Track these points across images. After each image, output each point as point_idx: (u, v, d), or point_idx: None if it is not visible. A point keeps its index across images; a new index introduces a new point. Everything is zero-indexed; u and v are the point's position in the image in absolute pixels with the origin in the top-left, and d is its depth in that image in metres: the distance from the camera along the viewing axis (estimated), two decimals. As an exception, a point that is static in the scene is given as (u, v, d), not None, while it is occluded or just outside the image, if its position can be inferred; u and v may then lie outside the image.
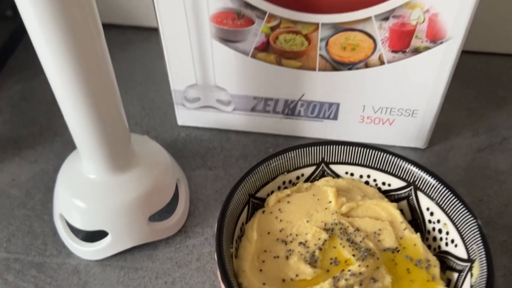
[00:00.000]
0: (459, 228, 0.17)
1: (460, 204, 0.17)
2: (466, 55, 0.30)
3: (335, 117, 0.25)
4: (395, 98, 0.23)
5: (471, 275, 0.16)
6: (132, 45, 0.33)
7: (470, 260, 0.16)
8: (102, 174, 0.20)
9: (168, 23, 0.22)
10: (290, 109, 0.25)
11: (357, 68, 0.22)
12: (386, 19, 0.20)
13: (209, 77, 0.24)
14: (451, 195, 0.17)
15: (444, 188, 0.17)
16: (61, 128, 0.27)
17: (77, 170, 0.21)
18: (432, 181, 0.18)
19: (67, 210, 0.20)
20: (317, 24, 0.21)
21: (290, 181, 0.20)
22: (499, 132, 0.26)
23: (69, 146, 0.26)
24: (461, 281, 0.16)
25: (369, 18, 0.20)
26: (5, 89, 0.29)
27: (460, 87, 0.28)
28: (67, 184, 0.21)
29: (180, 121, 0.27)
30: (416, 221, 0.19)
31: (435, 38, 0.20)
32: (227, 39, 0.22)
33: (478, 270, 0.15)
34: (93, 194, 0.20)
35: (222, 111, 0.25)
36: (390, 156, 0.19)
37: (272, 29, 0.21)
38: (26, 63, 0.31)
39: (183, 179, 0.23)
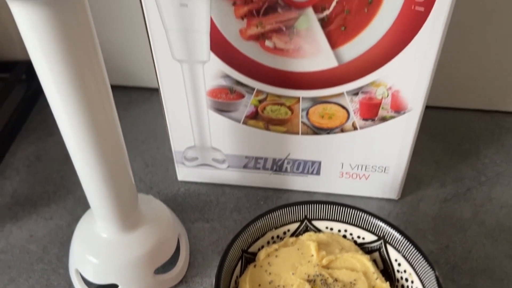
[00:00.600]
0: (421, 278, 0.20)
1: (421, 256, 0.20)
2: (433, 110, 0.33)
3: (318, 173, 0.28)
4: (369, 157, 0.26)
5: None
6: (134, 104, 0.36)
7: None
8: (113, 233, 0.23)
9: (170, 98, 0.25)
10: (278, 166, 0.28)
11: (334, 133, 0.25)
12: (356, 94, 0.23)
13: (206, 140, 0.27)
14: (413, 248, 0.20)
15: (408, 242, 0.20)
16: (73, 186, 0.30)
17: (91, 230, 0.23)
18: (398, 235, 0.21)
19: (81, 265, 0.23)
20: (299, 98, 0.24)
21: (277, 236, 0.22)
22: (464, 182, 0.29)
23: (81, 203, 0.29)
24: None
25: (342, 93, 0.24)
26: (21, 150, 0.32)
27: (428, 140, 0.32)
28: (82, 242, 0.23)
29: (180, 177, 0.30)
30: (387, 270, 0.22)
31: (398, 109, 0.24)
32: (222, 109, 0.25)
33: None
34: (105, 251, 0.23)
35: (217, 168, 0.29)
36: (363, 214, 0.21)
37: (260, 101, 0.25)
38: (39, 124, 0.34)
39: (183, 233, 0.26)
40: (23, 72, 0.36)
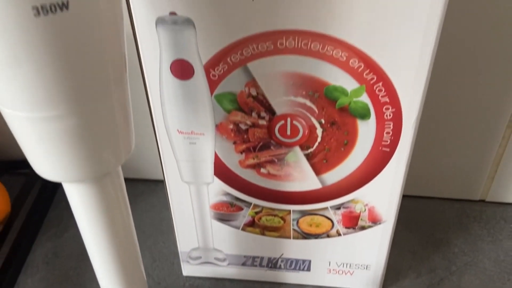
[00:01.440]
0: None
1: None
2: (408, 198, 0.37)
3: (308, 269, 0.31)
4: (352, 257, 0.30)
5: None
6: (140, 197, 0.40)
7: None
8: None
9: (178, 211, 0.29)
10: (272, 264, 0.31)
11: (321, 238, 0.29)
12: (339, 208, 0.27)
13: (209, 242, 0.31)
14: None
15: None
16: (88, 283, 0.32)
17: None
18: None
19: None
20: (290, 210, 0.28)
21: None
22: (437, 273, 0.33)
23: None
24: None
25: (326, 208, 0.28)
26: (40, 247, 0.35)
27: (405, 230, 0.35)
28: None
29: (185, 273, 0.33)
30: None
31: (374, 220, 0.28)
32: (223, 219, 0.29)
33: None
34: None
35: (219, 265, 0.32)
36: None
37: (256, 213, 0.29)
38: (55, 219, 0.37)
39: (191, 331, 0.29)
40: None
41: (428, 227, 0.36)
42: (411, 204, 0.37)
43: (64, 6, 0.13)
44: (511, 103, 0.32)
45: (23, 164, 0.39)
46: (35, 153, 0.17)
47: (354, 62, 0.22)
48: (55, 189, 0.39)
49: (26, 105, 0.15)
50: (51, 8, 0.13)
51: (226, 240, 0.31)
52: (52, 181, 0.19)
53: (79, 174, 0.18)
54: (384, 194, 0.27)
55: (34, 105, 0.15)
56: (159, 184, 0.40)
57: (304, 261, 0.31)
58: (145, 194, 0.40)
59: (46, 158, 0.17)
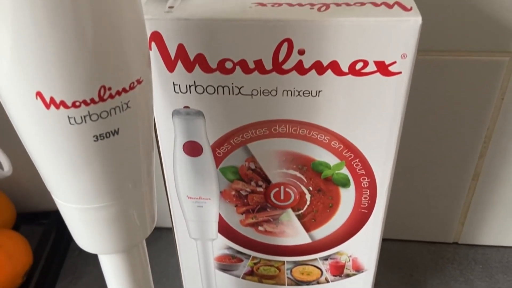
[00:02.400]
0: None
1: None
2: (390, 242, 0.42)
3: (301, 311, 0.35)
4: (339, 301, 0.34)
5: None
6: (148, 243, 0.43)
7: None
8: None
9: (186, 264, 0.33)
10: (269, 307, 0.35)
11: (312, 285, 0.33)
12: (326, 259, 0.32)
13: (213, 289, 0.35)
14: None
15: None
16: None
17: None
18: None
19: None
20: (284, 261, 0.32)
21: None
22: (415, 311, 0.37)
23: None
24: None
25: (315, 259, 0.32)
26: (57, 294, 0.39)
27: (387, 272, 0.40)
28: None
29: (191, 316, 0.37)
30: None
31: (358, 269, 0.32)
32: (225, 269, 0.33)
33: None
34: None
35: (221, 309, 0.36)
36: None
37: (255, 264, 0.33)
38: (70, 267, 0.41)
39: None
40: (56, 221, 0.43)
41: (408, 268, 0.40)
42: (393, 247, 0.42)
43: (116, 133, 0.17)
44: (474, 160, 0.37)
45: (40, 215, 0.43)
46: (79, 231, 0.21)
47: (335, 144, 0.26)
48: (69, 239, 0.43)
49: (79, 199, 0.19)
50: (106, 135, 0.17)
51: (228, 287, 0.34)
52: (89, 252, 0.22)
53: (113, 248, 0.22)
54: (364, 247, 0.31)
55: (85, 199, 0.19)
56: (164, 231, 0.44)
57: (297, 304, 0.35)
58: (152, 241, 0.43)
59: (88, 235, 0.21)
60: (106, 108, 0.17)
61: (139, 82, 0.18)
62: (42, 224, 0.43)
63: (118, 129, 0.18)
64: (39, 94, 0.16)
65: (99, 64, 0.16)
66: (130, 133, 0.18)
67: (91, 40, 0.16)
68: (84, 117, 0.17)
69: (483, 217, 0.40)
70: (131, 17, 0.17)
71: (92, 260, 0.41)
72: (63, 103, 0.16)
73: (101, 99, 0.16)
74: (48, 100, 0.16)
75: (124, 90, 0.17)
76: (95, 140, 0.17)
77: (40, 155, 0.18)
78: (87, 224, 0.20)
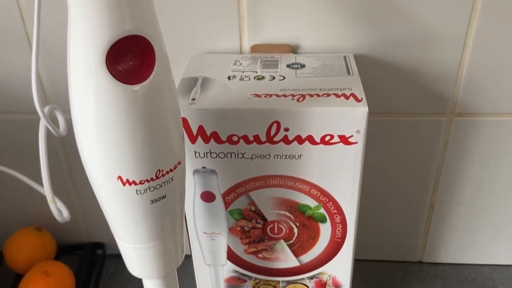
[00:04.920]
0: None
1: None
2: (365, 262, 0.50)
3: (294, 321, 0.43)
4: (324, 311, 0.42)
5: None
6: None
7: None
8: None
9: (201, 282, 0.41)
10: (268, 318, 0.43)
11: (302, 298, 0.42)
12: (312, 278, 0.40)
13: (223, 305, 0.43)
14: None
15: None
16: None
17: None
18: None
19: None
20: (279, 281, 0.41)
21: None
22: (385, 319, 0.45)
23: None
24: None
25: (303, 278, 0.40)
26: (94, 313, 0.47)
27: (363, 285, 0.48)
28: None
29: (205, 328, 0.45)
30: None
31: (337, 286, 0.40)
32: (233, 288, 0.42)
33: None
34: None
35: (230, 321, 0.44)
36: None
37: (256, 283, 0.41)
38: (102, 287, 0.49)
39: None
40: (89, 251, 0.52)
41: (380, 283, 0.49)
42: (367, 267, 0.50)
43: (164, 197, 0.26)
44: (428, 195, 0.46)
45: (75, 247, 0.52)
46: (133, 262, 0.30)
47: (314, 191, 0.35)
48: (101, 267, 0.51)
49: (136, 241, 0.28)
50: (158, 199, 0.26)
51: (235, 302, 0.43)
52: (138, 277, 0.31)
53: (155, 274, 0.30)
54: (341, 268, 0.39)
55: (140, 241, 0.28)
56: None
57: (290, 315, 0.43)
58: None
59: (138, 265, 0.30)
60: (159, 183, 0.26)
61: (179, 163, 0.27)
62: (78, 255, 0.51)
63: (165, 195, 0.27)
64: (119, 177, 0.25)
65: (156, 155, 0.25)
66: (172, 197, 0.27)
67: (152, 139, 0.25)
68: (146, 189, 0.26)
69: (441, 240, 0.49)
70: (176, 114, 0.26)
71: (120, 284, 0.50)
72: (134, 182, 0.25)
73: (157, 177, 0.26)
74: (125, 181, 0.25)
75: (171, 170, 0.26)
76: (151, 203, 0.26)
77: (113, 212, 0.27)
78: (139, 258, 0.29)
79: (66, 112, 0.32)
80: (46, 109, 0.29)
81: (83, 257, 0.50)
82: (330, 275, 0.40)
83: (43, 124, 0.30)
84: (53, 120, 0.31)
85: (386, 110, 0.42)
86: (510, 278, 0.49)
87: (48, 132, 0.31)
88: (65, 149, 0.47)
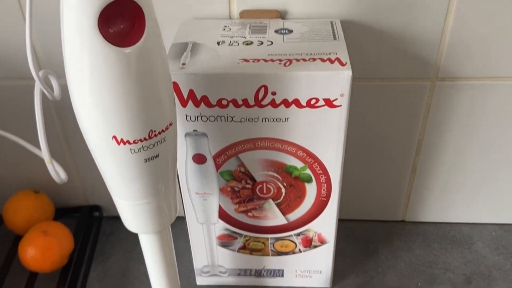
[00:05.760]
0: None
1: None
2: (350, 222, 0.53)
3: (282, 275, 0.46)
4: (310, 267, 0.45)
5: None
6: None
7: None
8: None
9: (196, 243, 0.43)
10: (258, 273, 0.46)
11: (289, 254, 0.44)
12: (299, 235, 0.42)
13: (215, 261, 0.45)
14: None
15: None
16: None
17: None
18: None
19: None
20: (267, 238, 0.43)
21: None
22: (368, 273, 0.48)
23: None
24: None
25: (291, 235, 0.43)
26: (93, 270, 0.49)
27: (348, 245, 0.51)
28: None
29: (199, 282, 0.47)
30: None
31: (322, 242, 0.43)
32: (224, 245, 0.44)
33: None
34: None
35: (222, 276, 0.46)
36: None
37: (246, 240, 0.43)
38: (100, 251, 0.51)
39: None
40: (86, 214, 0.53)
41: (364, 242, 0.51)
42: (352, 226, 0.53)
43: (156, 156, 0.28)
44: (411, 157, 0.48)
45: (73, 210, 0.53)
46: (129, 218, 0.32)
47: (300, 153, 0.37)
48: (98, 228, 0.53)
49: (131, 198, 0.30)
50: (151, 158, 0.28)
51: (226, 259, 0.45)
52: (133, 231, 0.33)
53: (149, 229, 0.32)
54: (325, 225, 0.42)
55: (135, 198, 0.30)
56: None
57: (279, 270, 0.46)
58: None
59: (134, 221, 0.32)
60: (152, 143, 0.27)
61: (170, 124, 0.28)
62: (75, 217, 0.53)
63: (158, 154, 0.28)
64: (114, 137, 0.26)
65: (149, 116, 0.27)
66: (165, 156, 0.29)
67: (144, 100, 0.26)
68: (139, 148, 0.27)
69: (423, 200, 0.52)
70: (166, 77, 0.27)
71: (116, 243, 0.52)
72: (128, 142, 0.26)
73: (150, 137, 0.27)
74: (119, 140, 0.26)
75: (163, 130, 0.28)
76: (144, 162, 0.28)
77: (110, 171, 0.28)
78: (135, 214, 0.31)
79: (60, 77, 0.33)
80: (40, 74, 0.30)
81: (81, 219, 0.52)
82: (316, 232, 0.42)
83: (38, 87, 0.31)
84: (47, 85, 0.32)
85: (371, 75, 0.43)
86: (488, 236, 0.52)
87: (43, 99, 0.33)
88: (59, 115, 0.48)
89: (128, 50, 0.24)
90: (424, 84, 0.43)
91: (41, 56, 0.44)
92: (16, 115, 0.48)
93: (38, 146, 0.36)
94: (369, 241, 0.51)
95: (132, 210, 0.31)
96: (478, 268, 0.49)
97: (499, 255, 0.50)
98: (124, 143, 0.26)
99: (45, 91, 0.31)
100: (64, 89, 0.33)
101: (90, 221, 0.53)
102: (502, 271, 0.48)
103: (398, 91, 0.44)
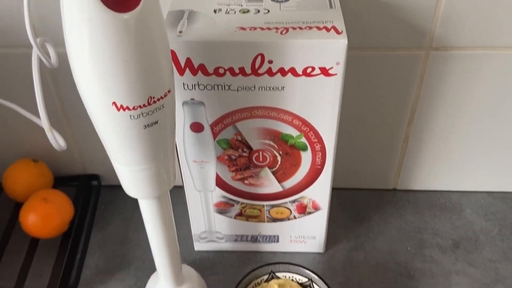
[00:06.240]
0: (328, 298, 0.40)
1: (326, 286, 0.39)
2: (343, 190, 0.54)
3: (277, 241, 0.48)
4: (304, 232, 0.47)
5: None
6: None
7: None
8: (170, 287, 0.41)
9: (193, 209, 0.44)
10: (254, 239, 0.48)
11: (284, 221, 0.45)
12: (294, 202, 0.44)
13: (212, 227, 0.47)
14: (325, 284, 0.40)
15: (321, 280, 0.40)
16: (131, 259, 0.48)
17: (157, 285, 0.42)
18: (316, 277, 0.40)
19: (152, 307, 0.42)
20: (263, 205, 0.44)
21: (257, 283, 0.42)
22: (360, 238, 0.50)
23: (138, 270, 0.47)
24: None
25: (286, 202, 0.44)
26: (93, 237, 0.50)
27: (341, 212, 0.52)
28: (151, 294, 0.42)
29: (196, 248, 0.49)
30: (314, 295, 0.41)
31: (316, 208, 0.44)
32: (221, 212, 0.45)
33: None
34: (165, 298, 0.41)
35: (219, 242, 0.48)
36: (300, 267, 0.41)
37: (243, 207, 0.45)
38: (100, 216, 0.52)
39: (204, 283, 0.45)
40: (84, 182, 0.54)
41: (356, 209, 0.53)
42: (345, 194, 0.54)
43: (156, 123, 0.28)
44: (404, 126, 0.49)
45: (72, 178, 0.54)
46: (129, 183, 0.32)
47: (296, 121, 0.38)
48: (97, 196, 0.54)
49: (131, 163, 0.30)
50: (151, 124, 0.28)
51: (223, 225, 0.46)
52: (133, 197, 0.34)
53: (149, 195, 0.33)
54: (320, 192, 0.43)
55: (135, 163, 0.30)
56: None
57: (274, 236, 0.47)
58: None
59: (134, 186, 0.33)
60: (151, 109, 0.28)
61: (169, 91, 0.29)
62: (74, 186, 0.54)
63: (157, 121, 0.29)
64: (114, 103, 0.27)
65: (148, 83, 0.27)
66: (163, 123, 0.29)
67: (143, 66, 0.26)
68: (139, 115, 0.28)
69: (414, 168, 0.53)
70: (165, 43, 0.28)
71: (115, 211, 0.54)
72: (128, 108, 0.27)
73: (149, 104, 0.27)
74: (119, 106, 0.27)
75: (161, 97, 0.28)
76: (144, 128, 0.28)
77: (110, 137, 0.29)
78: (134, 179, 0.32)
79: (57, 45, 0.33)
80: (38, 40, 0.30)
81: (79, 187, 0.53)
82: (310, 199, 0.44)
83: (35, 54, 0.31)
84: (44, 53, 0.32)
85: (366, 44, 0.44)
86: (476, 203, 0.54)
87: (39, 68, 0.33)
88: (56, 85, 0.48)
89: (126, 15, 0.24)
90: (419, 53, 0.44)
91: (37, 25, 0.44)
92: (14, 84, 0.48)
93: (36, 114, 0.36)
94: (362, 209, 0.53)
95: (132, 176, 0.32)
96: (465, 233, 0.51)
97: (486, 221, 0.52)
98: (124, 109, 0.27)
99: (42, 58, 0.31)
100: (61, 57, 0.33)
101: (89, 190, 0.54)
102: (489, 236, 0.50)
103: (393, 60, 0.44)
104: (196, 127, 0.39)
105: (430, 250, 0.49)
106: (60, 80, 0.47)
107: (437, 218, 0.52)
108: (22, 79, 0.47)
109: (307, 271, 0.41)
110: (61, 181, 0.54)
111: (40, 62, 0.33)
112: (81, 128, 0.51)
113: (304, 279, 0.41)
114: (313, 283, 0.41)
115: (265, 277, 0.42)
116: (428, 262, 0.48)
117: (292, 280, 0.42)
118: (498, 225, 0.51)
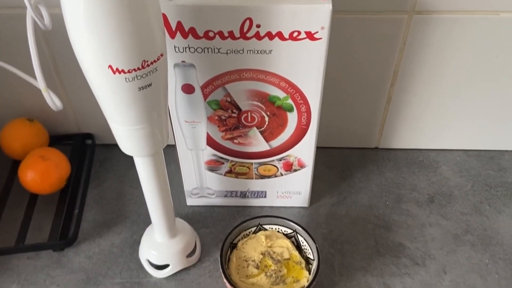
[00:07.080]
0: (311, 248, 0.43)
1: (311, 238, 0.43)
2: (327, 149, 0.57)
3: (265, 196, 0.51)
4: (289, 188, 0.49)
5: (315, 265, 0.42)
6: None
7: (314, 260, 0.42)
8: (164, 239, 0.44)
9: (185, 167, 0.47)
10: (243, 194, 0.50)
11: (271, 178, 0.48)
12: (281, 160, 0.46)
13: (203, 184, 0.49)
14: (308, 235, 0.43)
15: (305, 232, 0.43)
16: (128, 213, 0.51)
17: (152, 237, 0.45)
18: (301, 229, 0.44)
19: (148, 256, 0.45)
20: (252, 163, 0.47)
21: (246, 234, 0.45)
22: (342, 194, 0.53)
23: (134, 223, 0.50)
24: (312, 268, 0.42)
25: (273, 160, 0.46)
26: (90, 193, 0.53)
27: (325, 169, 0.55)
28: (147, 244, 0.45)
29: (189, 203, 0.52)
30: (299, 246, 0.45)
31: (302, 166, 0.47)
32: (212, 169, 0.47)
33: (315, 263, 0.41)
34: (160, 248, 0.44)
35: (210, 197, 0.51)
36: (285, 220, 0.44)
37: (232, 165, 0.47)
38: (95, 174, 0.54)
39: (196, 235, 0.48)
40: (79, 141, 0.56)
41: (339, 167, 0.56)
42: (329, 153, 0.57)
43: (149, 85, 0.30)
44: (386, 88, 0.51)
45: (67, 137, 0.56)
46: (125, 142, 0.34)
47: (282, 84, 0.39)
48: (92, 155, 0.56)
49: (126, 123, 0.32)
50: (145, 87, 0.30)
51: (214, 182, 0.49)
52: (128, 155, 0.36)
53: (144, 152, 0.35)
54: (305, 151, 0.46)
55: (130, 123, 0.32)
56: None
57: (262, 192, 0.50)
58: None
59: (130, 145, 0.35)
60: (145, 72, 0.29)
61: (162, 55, 0.30)
62: (69, 145, 0.55)
63: (151, 83, 0.30)
64: (110, 66, 0.28)
65: (142, 47, 0.28)
66: (157, 85, 0.31)
67: (137, 30, 0.28)
68: (133, 77, 0.29)
69: (395, 128, 0.56)
70: (157, 8, 0.29)
71: (110, 169, 0.56)
72: (123, 71, 0.28)
73: (143, 67, 0.29)
74: (115, 69, 0.28)
75: (154, 61, 0.30)
76: (138, 90, 0.30)
77: (106, 99, 0.31)
78: (129, 138, 0.34)
79: (49, 7, 0.34)
80: (32, 2, 0.31)
81: (74, 146, 0.55)
82: (296, 157, 0.46)
83: (29, 15, 0.32)
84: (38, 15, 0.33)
85: (350, 8, 0.45)
86: (452, 160, 0.57)
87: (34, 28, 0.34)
88: (49, 45, 0.48)
89: (120, -19, 0.25)
90: (401, 17, 0.45)
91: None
92: (8, 45, 0.48)
93: (31, 75, 0.37)
94: (345, 167, 0.56)
95: (128, 135, 0.33)
96: (441, 188, 0.54)
97: (461, 177, 0.55)
98: (120, 72, 0.29)
99: (36, 19, 0.32)
100: (54, 19, 0.34)
101: (84, 149, 0.56)
102: (463, 191, 0.54)
103: (376, 23, 0.46)
104: (187, 89, 0.40)
105: (407, 204, 0.52)
106: (52, 41, 0.48)
107: (415, 174, 0.55)
108: (17, 39, 0.48)
109: (292, 223, 0.44)
110: (56, 140, 0.56)
111: (35, 23, 0.33)
112: (74, 88, 0.52)
113: (289, 231, 0.45)
114: (298, 234, 0.44)
115: (253, 229, 0.45)
116: (404, 215, 0.51)
117: (278, 231, 0.45)
118: (471, 181, 0.55)
